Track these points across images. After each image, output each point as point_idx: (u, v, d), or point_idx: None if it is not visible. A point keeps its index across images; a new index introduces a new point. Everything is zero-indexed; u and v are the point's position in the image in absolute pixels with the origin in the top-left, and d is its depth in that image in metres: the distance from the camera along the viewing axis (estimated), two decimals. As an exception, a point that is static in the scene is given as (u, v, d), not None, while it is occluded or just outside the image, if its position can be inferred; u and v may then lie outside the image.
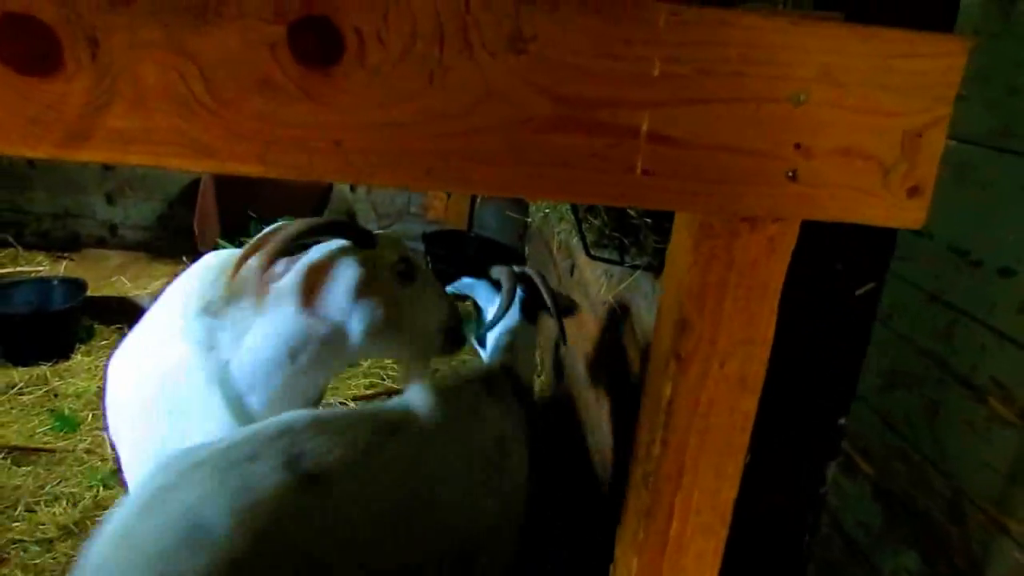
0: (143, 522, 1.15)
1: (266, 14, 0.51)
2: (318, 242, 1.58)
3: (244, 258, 1.47)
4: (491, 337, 2.01)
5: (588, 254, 2.13)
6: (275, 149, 0.55)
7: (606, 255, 2.17)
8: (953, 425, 0.96)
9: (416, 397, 1.56)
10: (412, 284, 1.61)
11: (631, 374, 2.42)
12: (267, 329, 1.49)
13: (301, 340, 1.50)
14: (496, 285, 2.01)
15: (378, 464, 1.39)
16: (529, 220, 4.00)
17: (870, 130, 0.61)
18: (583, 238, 2.10)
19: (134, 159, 0.54)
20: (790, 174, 0.62)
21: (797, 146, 0.61)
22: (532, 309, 2.10)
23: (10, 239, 4.89)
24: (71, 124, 0.52)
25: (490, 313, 2.04)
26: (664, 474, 0.74)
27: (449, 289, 2.08)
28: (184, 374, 1.48)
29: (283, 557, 1.18)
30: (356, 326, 1.52)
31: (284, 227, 1.51)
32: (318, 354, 1.53)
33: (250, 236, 4.75)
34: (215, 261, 1.77)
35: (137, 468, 1.57)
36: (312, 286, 1.48)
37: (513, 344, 1.97)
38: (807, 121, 0.60)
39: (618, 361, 2.58)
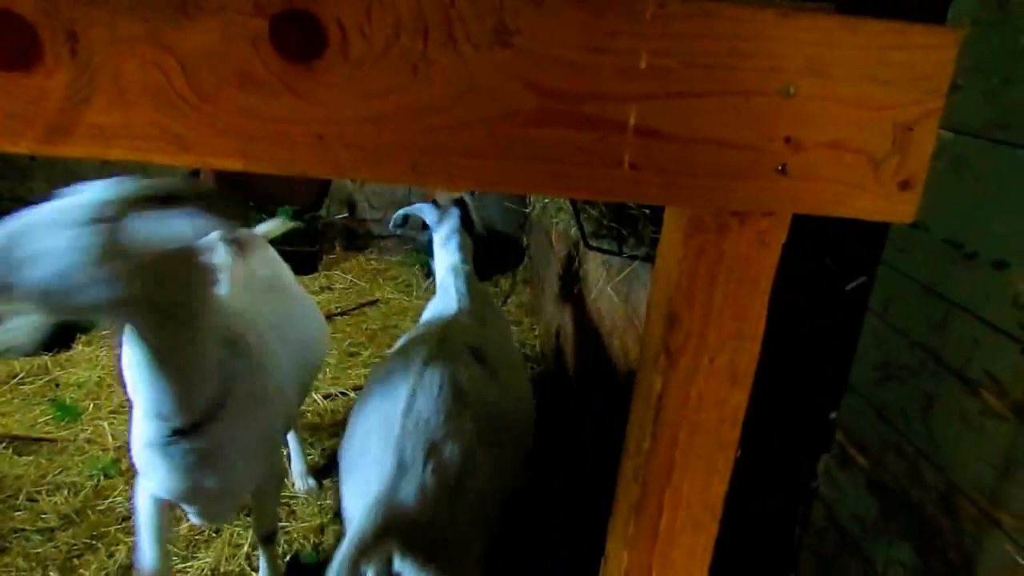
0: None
1: (247, 8, 0.51)
2: None
3: None
4: (454, 244, 2.67)
5: (586, 244, 2.12)
6: (257, 144, 0.54)
7: (604, 245, 2.16)
8: (947, 418, 0.96)
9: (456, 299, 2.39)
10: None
11: (630, 364, 2.42)
12: None
13: None
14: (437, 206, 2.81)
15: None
16: (528, 210, 4.00)
17: (861, 123, 0.61)
18: (581, 229, 2.09)
19: (115, 153, 0.53)
20: (780, 168, 0.61)
21: (787, 139, 0.60)
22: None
23: (10, 229, 4.90)
24: (51, 119, 0.52)
25: (435, 227, 2.78)
26: (654, 468, 0.74)
27: (404, 211, 2.87)
28: None
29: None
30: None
31: None
32: None
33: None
34: None
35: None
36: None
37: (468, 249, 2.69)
38: (797, 114, 0.60)
39: (617, 351, 2.58)
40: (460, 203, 2.81)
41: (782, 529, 1.11)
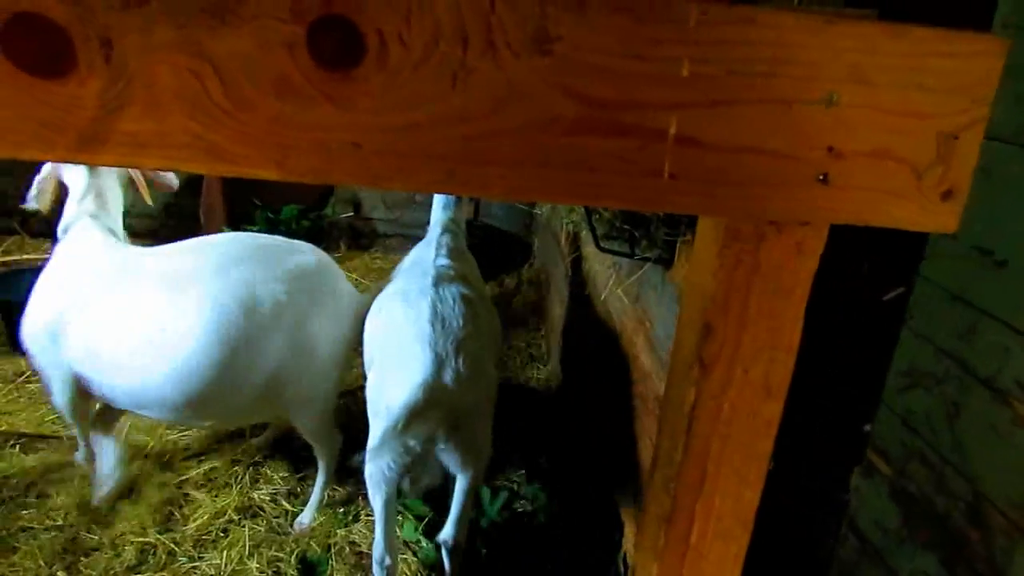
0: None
1: (284, 14, 0.49)
2: None
3: None
4: (444, 201, 2.83)
5: (598, 246, 2.11)
6: (292, 153, 0.53)
7: (616, 247, 2.15)
8: (975, 427, 0.95)
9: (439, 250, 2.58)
10: None
11: (640, 366, 2.41)
12: None
13: None
14: None
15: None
16: (538, 211, 3.99)
17: (904, 132, 0.60)
18: (593, 230, 2.08)
19: (149, 163, 0.52)
20: (821, 177, 0.60)
21: (829, 149, 0.59)
22: None
23: (16, 227, 4.90)
24: (84, 127, 0.50)
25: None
26: (685, 480, 0.73)
27: None
28: None
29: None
30: None
31: None
32: None
33: (256, 224, 4.75)
34: None
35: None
36: None
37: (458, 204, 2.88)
38: (839, 123, 0.59)
39: (626, 352, 2.57)
40: None
41: (813, 541, 1.10)
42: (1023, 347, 0.89)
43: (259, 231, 4.65)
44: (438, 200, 2.86)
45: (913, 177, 0.61)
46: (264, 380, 2.33)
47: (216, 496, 2.80)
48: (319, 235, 4.96)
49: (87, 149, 0.51)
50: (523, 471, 3.11)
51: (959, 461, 0.98)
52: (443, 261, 2.48)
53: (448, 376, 1.99)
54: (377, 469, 2.08)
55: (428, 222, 2.89)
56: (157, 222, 5.08)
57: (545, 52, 0.53)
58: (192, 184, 4.74)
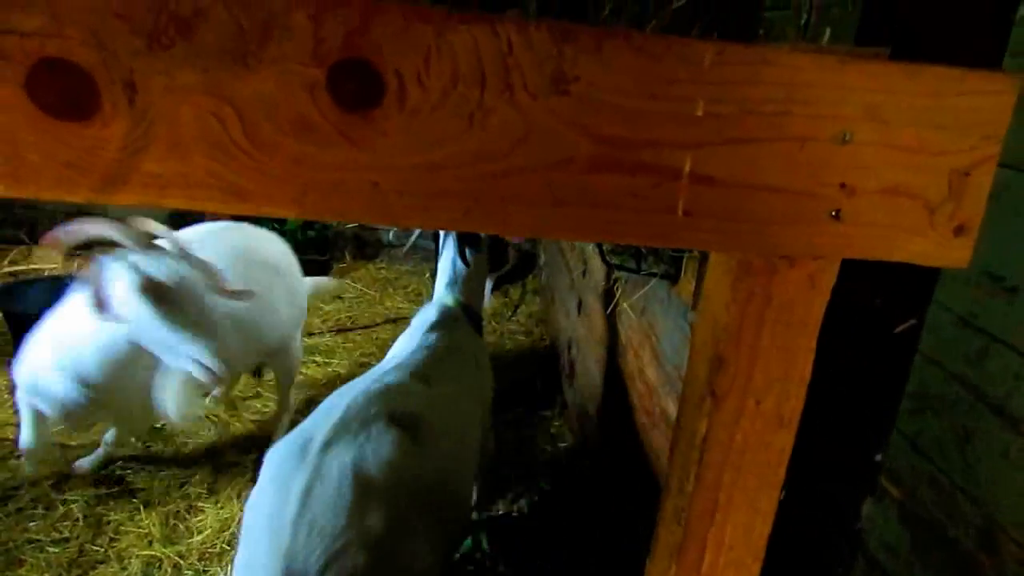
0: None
1: (305, 57, 0.50)
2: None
3: None
4: (448, 278, 2.49)
5: (605, 261, 2.12)
6: (312, 192, 0.54)
7: (622, 262, 2.16)
8: (986, 453, 0.95)
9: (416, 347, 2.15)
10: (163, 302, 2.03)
11: (646, 379, 2.41)
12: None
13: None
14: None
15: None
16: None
17: (917, 169, 0.60)
18: (599, 245, 2.09)
19: (170, 203, 0.53)
20: (833, 213, 0.61)
21: (842, 185, 0.60)
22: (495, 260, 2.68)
23: (24, 237, 4.92)
24: (107, 168, 0.51)
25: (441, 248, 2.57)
26: (697, 510, 0.73)
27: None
28: None
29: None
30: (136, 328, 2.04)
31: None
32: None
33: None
34: None
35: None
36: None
37: (468, 282, 2.47)
38: (852, 160, 0.59)
39: (632, 366, 2.57)
40: None
41: (824, 571, 1.09)
42: (1034, 374, 0.89)
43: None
44: (443, 273, 2.49)
45: (926, 213, 0.61)
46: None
47: (221, 508, 2.81)
48: (324, 245, 4.97)
49: (110, 190, 0.52)
50: (522, 488, 3.10)
51: (970, 486, 0.97)
52: (398, 373, 1.95)
53: None
54: None
55: (432, 234, 2.83)
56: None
57: (562, 92, 0.54)
58: (198, 194, 4.76)
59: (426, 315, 2.35)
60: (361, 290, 4.93)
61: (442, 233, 2.59)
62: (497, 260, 2.72)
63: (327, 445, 1.55)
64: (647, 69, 0.54)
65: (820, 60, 0.56)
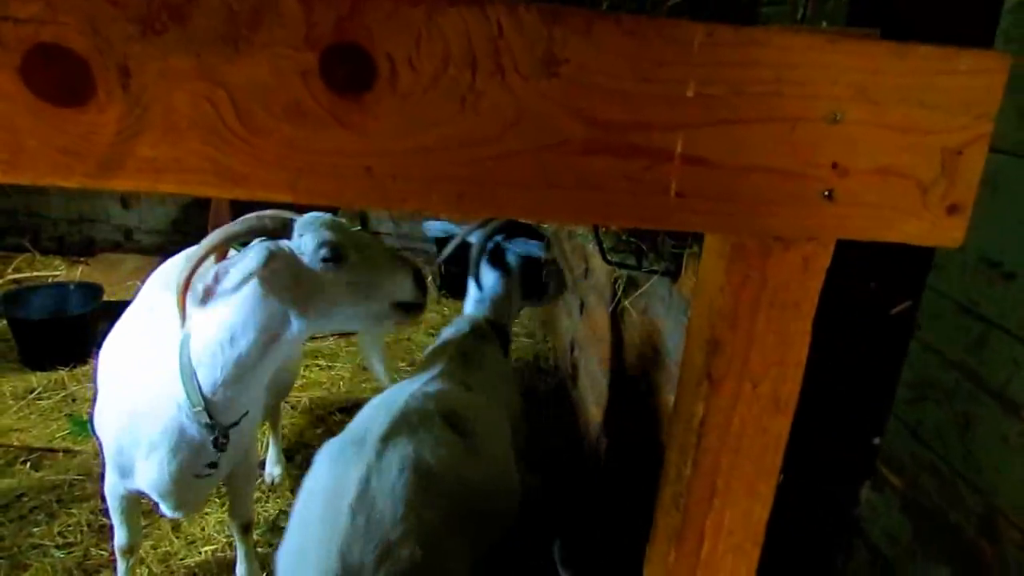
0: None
1: (297, 42, 0.51)
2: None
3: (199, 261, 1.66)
4: (476, 295, 2.50)
5: (605, 259, 2.12)
6: (305, 176, 0.54)
7: (623, 260, 2.16)
8: (986, 440, 0.95)
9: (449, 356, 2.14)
10: (342, 265, 1.73)
11: (649, 378, 2.41)
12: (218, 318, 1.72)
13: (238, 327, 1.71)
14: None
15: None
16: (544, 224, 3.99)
17: (908, 148, 0.60)
18: (600, 243, 2.09)
19: (165, 187, 0.53)
20: (826, 194, 0.61)
21: (833, 165, 0.60)
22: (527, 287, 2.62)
23: (27, 244, 4.94)
24: (103, 153, 0.52)
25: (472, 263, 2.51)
26: (695, 495, 0.73)
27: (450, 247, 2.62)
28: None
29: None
30: (294, 317, 1.74)
31: (224, 227, 1.73)
32: (257, 338, 1.72)
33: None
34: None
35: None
36: (209, 284, 1.66)
37: (497, 301, 2.47)
38: (843, 140, 0.59)
39: (635, 365, 2.57)
40: (491, 232, 2.52)
41: (823, 556, 1.09)
42: (1033, 359, 0.89)
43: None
44: (471, 293, 2.48)
45: (918, 193, 0.62)
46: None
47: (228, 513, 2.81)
48: (327, 249, 4.98)
49: (105, 174, 0.52)
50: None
51: (971, 474, 0.97)
52: (441, 377, 1.97)
53: None
54: None
55: (436, 241, 2.80)
56: (165, 238, 5.13)
57: (553, 75, 0.54)
58: (200, 200, 4.78)
59: (459, 327, 2.37)
60: (364, 294, 4.94)
61: (473, 249, 2.53)
62: (532, 287, 2.66)
63: (385, 438, 1.57)
64: (637, 51, 0.55)
65: (809, 40, 0.57)
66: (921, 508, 1.05)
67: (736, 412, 0.70)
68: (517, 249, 2.51)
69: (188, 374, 1.72)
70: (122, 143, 0.51)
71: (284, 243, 1.72)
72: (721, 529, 0.74)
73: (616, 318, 2.83)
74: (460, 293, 4.79)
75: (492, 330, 2.41)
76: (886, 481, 1.10)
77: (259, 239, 1.73)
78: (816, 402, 0.79)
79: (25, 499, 2.83)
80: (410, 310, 1.91)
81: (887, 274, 0.98)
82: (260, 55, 0.51)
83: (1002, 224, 0.93)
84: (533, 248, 2.51)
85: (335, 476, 1.51)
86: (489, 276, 2.49)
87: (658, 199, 0.59)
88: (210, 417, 1.74)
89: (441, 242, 4.64)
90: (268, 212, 1.76)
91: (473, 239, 2.51)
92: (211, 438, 1.76)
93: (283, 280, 1.69)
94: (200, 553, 2.64)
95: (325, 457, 1.63)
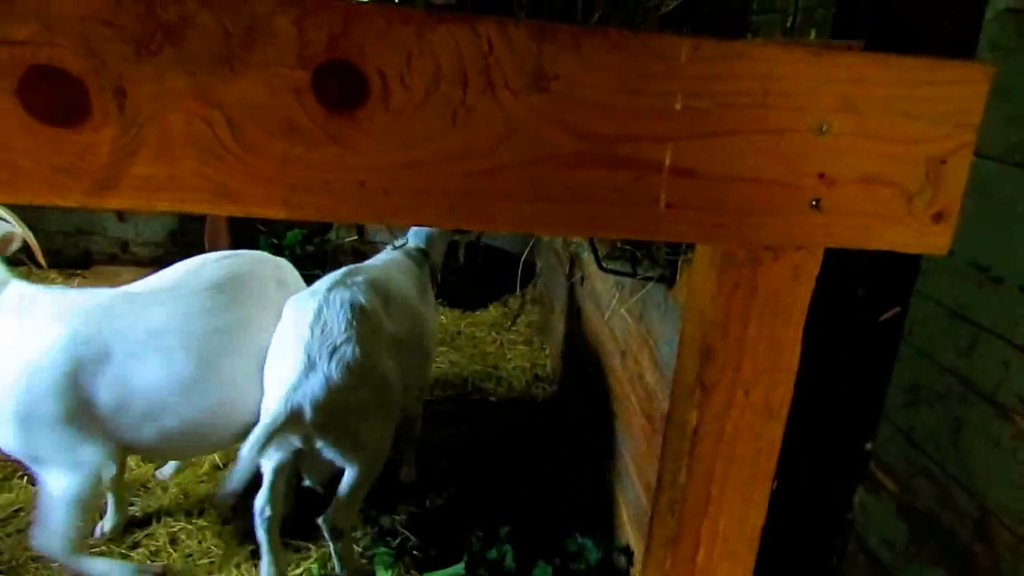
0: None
1: (290, 60, 0.51)
2: None
3: None
4: (414, 231, 3.20)
5: (600, 266, 2.13)
6: (299, 192, 0.55)
7: (618, 267, 2.17)
8: (978, 443, 0.96)
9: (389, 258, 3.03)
10: None
11: (645, 384, 2.41)
12: None
13: None
14: None
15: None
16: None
17: (893, 158, 0.61)
18: (595, 250, 2.10)
19: (161, 205, 0.54)
20: (814, 203, 0.62)
21: (820, 175, 0.61)
22: None
23: (23, 257, 4.93)
24: (98, 173, 0.52)
25: None
26: (690, 502, 0.73)
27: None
28: None
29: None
30: None
31: None
32: None
33: (259, 249, 4.77)
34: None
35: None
36: None
37: (431, 238, 3.19)
38: (830, 150, 0.60)
39: (632, 371, 2.58)
40: None
41: (817, 561, 1.10)
42: (1022, 362, 0.90)
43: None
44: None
45: (904, 201, 0.63)
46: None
47: (225, 524, 2.80)
48: (323, 259, 4.98)
49: (101, 193, 0.53)
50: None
51: (964, 477, 0.98)
52: (353, 269, 2.64)
53: (316, 380, 2.11)
54: (265, 456, 2.20)
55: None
56: (162, 249, 5.12)
57: (542, 90, 0.55)
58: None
59: (405, 248, 3.13)
60: (361, 303, 4.94)
61: None
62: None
63: (329, 289, 2.36)
64: (625, 65, 0.56)
65: (794, 53, 0.58)
66: (916, 512, 1.06)
67: (729, 419, 0.71)
68: None
69: None
70: (118, 162, 0.52)
71: None
72: (716, 535, 0.75)
73: (612, 325, 2.84)
74: (458, 302, 4.83)
75: (422, 255, 3.11)
76: (881, 485, 1.11)
77: None
78: (808, 408, 0.80)
79: (23, 512, 2.82)
80: None
81: (875, 281, 0.99)
82: (254, 74, 0.51)
83: (990, 229, 0.94)
84: None
85: (299, 312, 2.31)
86: None
87: (648, 210, 0.60)
88: None
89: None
90: None
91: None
92: None
93: None
94: (197, 566, 2.63)
95: (289, 306, 2.40)
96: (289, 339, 2.25)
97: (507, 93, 0.55)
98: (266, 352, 2.38)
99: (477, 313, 4.86)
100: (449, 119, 0.55)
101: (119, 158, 0.52)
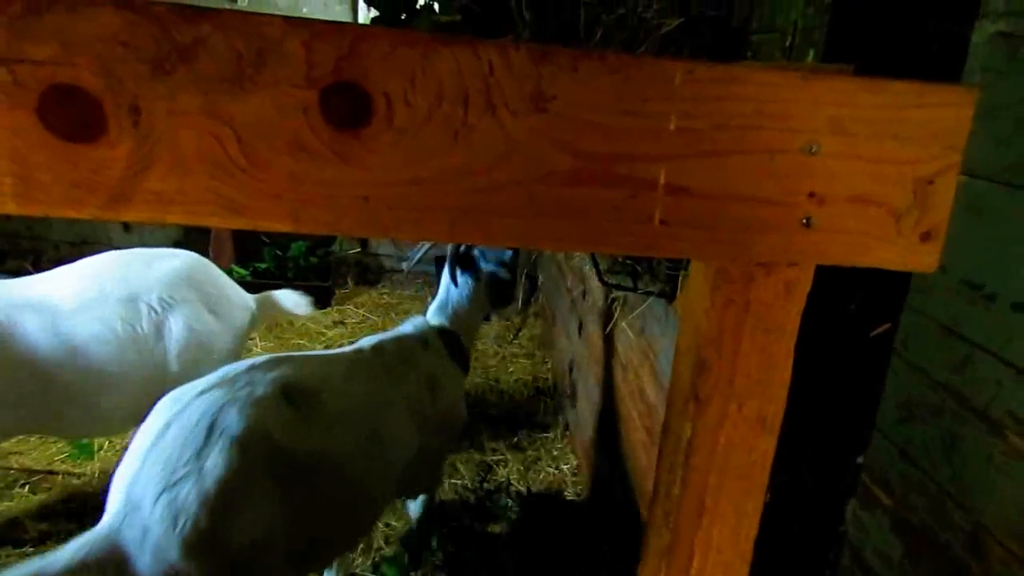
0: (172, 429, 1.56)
1: (299, 80, 0.53)
2: None
3: None
4: (439, 301, 2.57)
5: (601, 281, 2.15)
6: (306, 207, 0.57)
7: (619, 281, 2.18)
8: (971, 459, 0.97)
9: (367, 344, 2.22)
10: None
11: (646, 398, 2.42)
12: None
13: None
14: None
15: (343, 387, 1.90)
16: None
17: (882, 178, 0.63)
18: (596, 265, 2.12)
19: (172, 218, 0.56)
20: (804, 221, 0.64)
21: (811, 194, 0.63)
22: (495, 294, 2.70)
23: (29, 267, 4.97)
24: (113, 187, 0.54)
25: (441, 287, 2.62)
26: (684, 513, 0.75)
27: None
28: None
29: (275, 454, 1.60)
30: None
31: None
32: None
33: (264, 261, 4.80)
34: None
35: None
36: None
37: (459, 309, 2.52)
38: (820, 170, 0.62)
39: (632, 385, 2.59)
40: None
41: (811, 573, 1.11)
42: (1014, 379, 0.91)
43: (267, 268, 4.71)
44: (438, 296, 2.57)
45: (893, 220, 0.64)
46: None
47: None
48: (327, 271, 5.01)
49: (115, 207, 0.55)
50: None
51: (958, 492, 0.99)
52: (323, 358, 2.01)
53: (130, 535, 1.48)
54: None
55: (434, 258, 2.87)
56: (167, 261, 5.16)
57: (541, 110, 0.57)
58: (202, 223, 4.81)
59: (399, 327, 2.42)
60: (364, 315, 4.96)
61: (447, 255, 2.61)
62: (501, 297, 2.71)
63: (202, 392, 1.64)
64: (621, 87, 0.58)
65: (785, 76, 0.60)
66: (911, 527, 1.07)
67: (723, 431, 0.72)
68: (490, 256, 2.59)
69: None
70: (132, 177, 0.54)
71: None
72: (710, 547, 0.76)
73: (613, 339, 2.85)
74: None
75: (440, 338, 2.43)
76: (877, 500, 1.12)
77: None
78: (801, 422, 0.81)
79: (25, 522, 2.83)
80: None
81: (867, 298, 1.00)
82: (263, 93, 0.54)
83: (982, 247, 0.96)
84: (504, 256, 2.62)
85: (145, 423, 1.65)
86: (458, 289, 2.54)
87: (642, 227, 0.61)
88: None
89: (441, 262, 4.67)
90: None
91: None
92: None
93: None
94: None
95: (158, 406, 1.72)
96: (125, 464, 1.59)
97: (507, 113, 0.57)
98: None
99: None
100: (451, 138, 0.57)
101: (133, 173, 0.54)
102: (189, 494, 1.45)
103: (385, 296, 5.33)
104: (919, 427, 1.06)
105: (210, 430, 1.53)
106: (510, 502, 3.09)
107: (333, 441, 1.76)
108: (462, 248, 2.54)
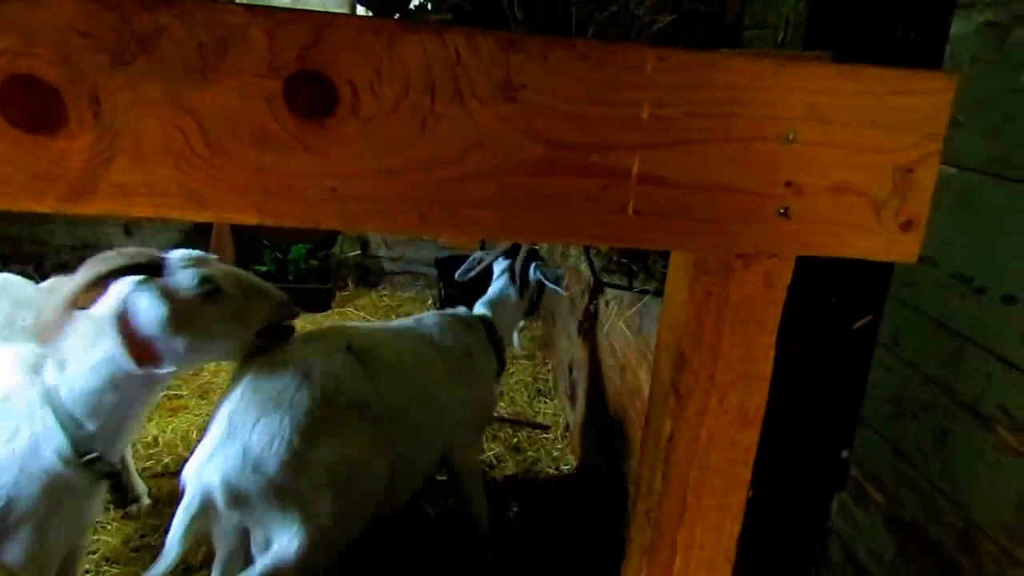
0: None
1: (262, 70, 0.53)
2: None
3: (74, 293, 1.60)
4: (488, 297, 2.79)
5: (597, 280, 2.13)
6: (272, 199, 0.56)
7: (615, 280, 2.17)
8: (962, 454, 0.96)
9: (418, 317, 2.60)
10: (219, 299, 1.80)
11: (644, 398, 2.41)
12: (92, 360, 1.71)
13: (123, 371, 1.71)
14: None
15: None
16: (538, 247, 4.02)
17: (861, 167, 0.62)
18: (591, 264, 2.11)
19: (136, 211, 0.55)
20: (782, 211, 0.62)
21: (788, 184, 0.62)
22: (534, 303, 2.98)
23: (30, 271, 4.97)
24: (75, 179, 0.54)
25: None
26: (666, 510, 0.74)
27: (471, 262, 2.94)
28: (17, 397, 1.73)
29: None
30: (174, 357, 1.76)
31: (90, 264, 1.67)
32: (142, 380, 1.75)
33: (264, 264, 4.79)
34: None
35: None
36: (130, 339, 1.67)
37: (502, 312, 2.73)
38: (797, 159, 0.61)
39: (630, 385, 2.57)
40: (510, 254, 2.88)
41: (797, 569, 1.09)
42: (1005, 373, 0.90)
43: (268, 271, 4.71)
44: (490, 290, 2.83)
45: (872, 210, 0.63)
46: None
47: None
48: (327, 274, 5.01)
49: (78, 199, 0.54)
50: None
51: (949, 488, 0.98)
52: (381, 329, 2.44)
53: (232, 451, 1.80)
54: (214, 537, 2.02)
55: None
56: (167, 264, 5.16)
57: (511, 98, 0.56)
58: (202, 226, 4.82)
59: (454, 310, 2.68)
60: (364, 318, 4.95)
61: (518, 261, 2.81)
62: (535, 305, 3.04)
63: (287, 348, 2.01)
64: (592, 75, 0.57)
65: (760, 64, 0.59)
66: (903, 524, 1.05)
67: (704, 426, 0.71)
68: (541, 274, 2.82)
69: (72, 426, 1.71)
70: (94, 169, 0.53)
71: (159, 281, 1.72)
72: (693, 544, 0.75)
73: (612, 338, 2.84)
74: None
75: (481, 323, 2.67)
76: (868, 496, 1.11)
77: (130, 276, 1.72)
78: (784, 416, 0.80)
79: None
80: (276, 336, 2.01)
81: (848, 289, 0.99)
82: (226, 83, 0.53)
83: (973, 241, 0.95)
84: (557, 273, 2.86)
85: (235, 378, 1.97)
86: (510, 289, 2.81)
87: (616, 217, 0.60)
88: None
89: (441, 264, 4.67)
90: (131, 250, 1.74)
91: (497, 265, 2.85)
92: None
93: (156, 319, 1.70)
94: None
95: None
96: (224, 402, 1.92)
97: (475, 102, 0.56)
98: None
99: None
100: (419, 127, 0.56)
101: (95, 165, 0.53)
102: (283, 420, 1.81)
103: (385, 298, 5.32)
104: (910, 422, 1.05)
105: (294, 375, 1.91)
106: (511, 503, 3.07)
107: (390, 389, 2.15)
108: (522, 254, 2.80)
